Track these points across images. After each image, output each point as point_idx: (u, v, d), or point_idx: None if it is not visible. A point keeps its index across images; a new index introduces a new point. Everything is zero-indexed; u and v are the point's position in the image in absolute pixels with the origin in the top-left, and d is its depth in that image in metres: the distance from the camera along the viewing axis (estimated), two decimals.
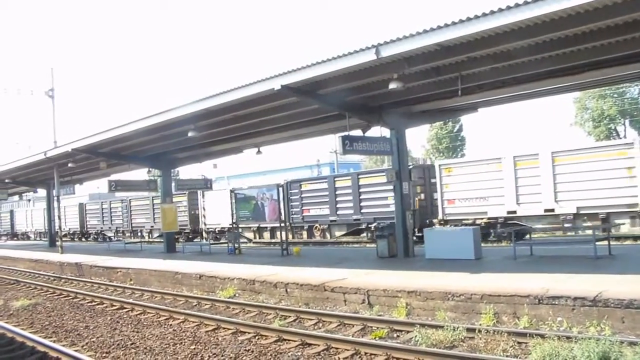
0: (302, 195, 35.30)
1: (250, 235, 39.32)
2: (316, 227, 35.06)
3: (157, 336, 13.51)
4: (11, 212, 72.64)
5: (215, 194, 40.48)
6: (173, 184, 33.45)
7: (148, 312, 16.60)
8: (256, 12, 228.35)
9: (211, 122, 22.97)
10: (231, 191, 29.26)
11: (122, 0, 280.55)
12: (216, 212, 40.00)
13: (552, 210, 24.36)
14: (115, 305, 18.12)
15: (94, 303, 19.05)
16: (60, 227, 37.20)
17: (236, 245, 28.02)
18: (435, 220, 27.82)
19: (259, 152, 28.84)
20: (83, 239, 57.21)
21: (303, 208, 35.25)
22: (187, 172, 79.62)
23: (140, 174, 37.65)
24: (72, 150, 28.68)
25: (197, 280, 20.08)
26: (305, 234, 36.27)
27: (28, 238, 65.60)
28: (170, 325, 14.78)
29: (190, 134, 23.29)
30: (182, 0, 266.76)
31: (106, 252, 34.19)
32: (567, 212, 23.94)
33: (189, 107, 20.59)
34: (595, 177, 22.88)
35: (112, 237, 51.26)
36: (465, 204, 26.96)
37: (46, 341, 13.04)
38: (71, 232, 57.21)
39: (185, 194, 41.80)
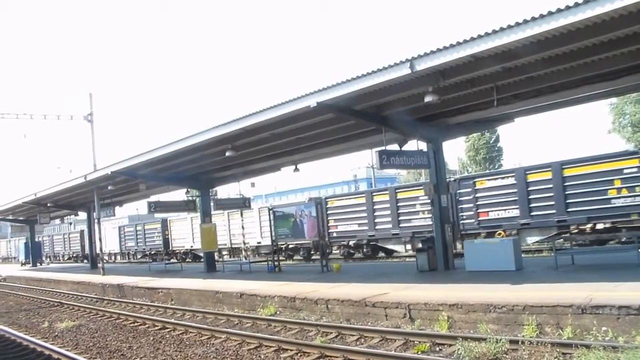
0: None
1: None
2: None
3: (199, 355, 13.58)
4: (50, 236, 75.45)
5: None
6: (212, 204, 33.65)
7: (190, 332, 16.70)
8: (291, 31, 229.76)
9: (248, 141, 23.10)
10: (269, 209, 29.33)
11: (158, 24, 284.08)
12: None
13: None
14: (157, 326, 18.26)
15: (136, 323, 19.23)
16: (101, 249, 37.62)
17: (276, 262, 28.08)
18: None
19: (296, 169, 28.84)
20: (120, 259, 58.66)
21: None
22: (225, 191, 79.97)
23: (179, 194, 37.92)
24: (111, 173, 29.00)
25: (238, 299, 20.14)
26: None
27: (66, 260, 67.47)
28: (213, 344, 14.85)
29: (228, 154, 23.44)
30: (219, 23, 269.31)
31: (147, 273, 34.43)
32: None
33: (226, 127, 20.71)
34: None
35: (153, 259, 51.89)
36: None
37: None
38: (110, 253, 58.76)
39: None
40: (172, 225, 49.65)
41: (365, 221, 32.56)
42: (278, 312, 18.09)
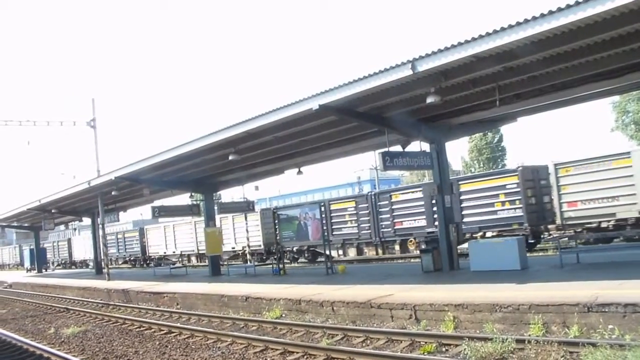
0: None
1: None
2: None
3: (206, 359, 13.59)
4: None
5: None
6: (216, 207, 33.69)
7: (196, 336, 16.70)
8: (293, 33, 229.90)
9: (251, 144, 23.13)
10: (274, 211, 29.42)
11: (160, 29, 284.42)
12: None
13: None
14: (163, 330, 18.27)
15: (142, 328, 19.24)
16: (106, 255, 37.65)
17: (281, 265, 28.09)
18: None
19: (299, 172, 28.87)
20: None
21: None
22: (229, 194, 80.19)
23: (183, 199, 38.05)
24: (115, 178, 29.04)
25: (243, 302, 20.14)
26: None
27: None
28: (219, 347, 14.85)
29: (231, 157, 23.45)
30: (221, 27, 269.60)
31: (152, 277, 34.45)
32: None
33: (229, 130, 20.77)
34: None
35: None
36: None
37: None
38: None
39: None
40: (148, 233, 54.32)
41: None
42: (283, 315, 18.09)
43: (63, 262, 70.07)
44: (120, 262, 59.24)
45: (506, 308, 12.81)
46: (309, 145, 23.82)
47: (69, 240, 70.76)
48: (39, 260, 60.49)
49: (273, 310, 18.35)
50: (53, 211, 44.51)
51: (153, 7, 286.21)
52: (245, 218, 40.68)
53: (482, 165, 72.54)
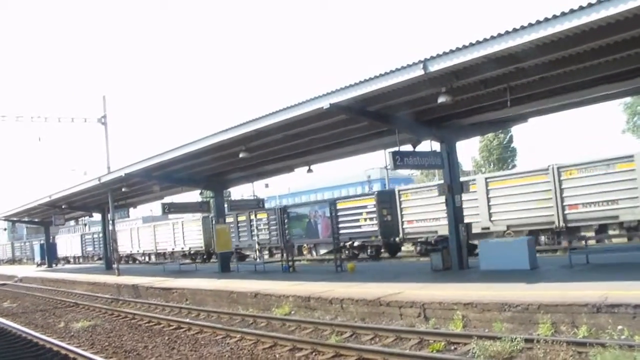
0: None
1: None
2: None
3: (214, 355, 13.67)
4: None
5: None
6: (226, 205, 33.76)
7: (205, 331, 16.80)
8: (303, 33, 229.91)
9: (262, 142, 23.17)
10: (282, 209, 29.53)
11: (171, 27, 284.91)
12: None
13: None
14: (172, 325, 18.37)
15: (151, 323, 19.37)
16: (117, 250, 37.78)
17: (290, 263, 28.14)
18: None
19: (309, 170, 28.90)
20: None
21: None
22: (239, 192, 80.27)
23: (193, 195, 38.20)
24: (125, 175, 29.14)
25: (253, 299, 20.21)
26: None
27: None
28: (228, 343, 14.93)
29: (241, 155, 23.50)
30: (232, 25, 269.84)
31: (161, 273, 34.55)
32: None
33: (239, 128, 20.79)
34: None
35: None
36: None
37: None
38: (75, 257, 69.55)
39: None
40: (118, 234, 55.89)
41: (233, 234, 40.83)
42: (292, 312, 18.16)
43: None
44: (95, 259, 63.12)
45: (515, 307, 12.83)
46: (319, 143, 23.85)
47: (54, 238, 74.08)
48: (50, 255, 60.74)
49: (282, 307, 18.42)
50: (63, 207, 44.77)
51: (165, 5, 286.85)
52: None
53: (492, 166, 72.13)
